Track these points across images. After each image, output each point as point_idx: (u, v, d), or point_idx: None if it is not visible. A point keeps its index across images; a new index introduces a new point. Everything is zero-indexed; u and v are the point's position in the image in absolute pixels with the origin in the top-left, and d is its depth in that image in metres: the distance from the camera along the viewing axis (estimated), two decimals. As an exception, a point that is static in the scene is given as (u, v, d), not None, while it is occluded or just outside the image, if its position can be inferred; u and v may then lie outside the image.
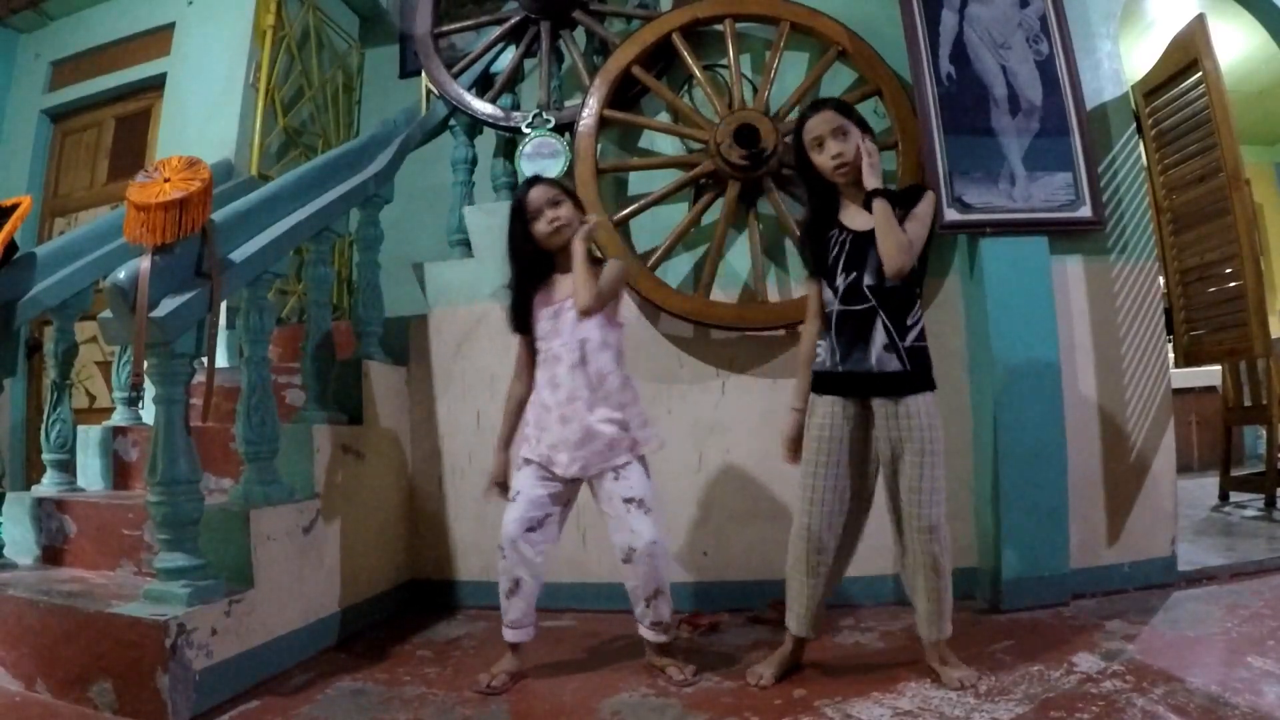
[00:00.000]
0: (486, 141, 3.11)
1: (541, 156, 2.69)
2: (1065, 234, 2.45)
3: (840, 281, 1.79)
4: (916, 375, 1.76)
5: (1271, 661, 1.75)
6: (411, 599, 2.62)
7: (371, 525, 2.46)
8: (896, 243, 1.70)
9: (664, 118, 2.77)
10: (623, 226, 2.60)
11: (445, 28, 3.17)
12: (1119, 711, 1.54)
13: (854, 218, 1.81)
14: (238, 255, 1.98)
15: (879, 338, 1.75)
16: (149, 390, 1.86)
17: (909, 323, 1.77)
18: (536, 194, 1.92)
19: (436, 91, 3.04)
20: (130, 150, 3.81)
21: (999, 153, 2.41)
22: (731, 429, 2.54)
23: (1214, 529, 3.21)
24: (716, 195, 2.58)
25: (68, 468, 2.50)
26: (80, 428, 2.58)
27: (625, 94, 2.73)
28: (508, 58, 3.10)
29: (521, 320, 1.95)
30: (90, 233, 2.52)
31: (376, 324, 2.65)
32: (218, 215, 1.96)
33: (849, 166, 1.77)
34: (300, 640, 2.07)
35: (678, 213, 2.63)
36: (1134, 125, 2.67)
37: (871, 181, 1.75)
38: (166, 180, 1.82)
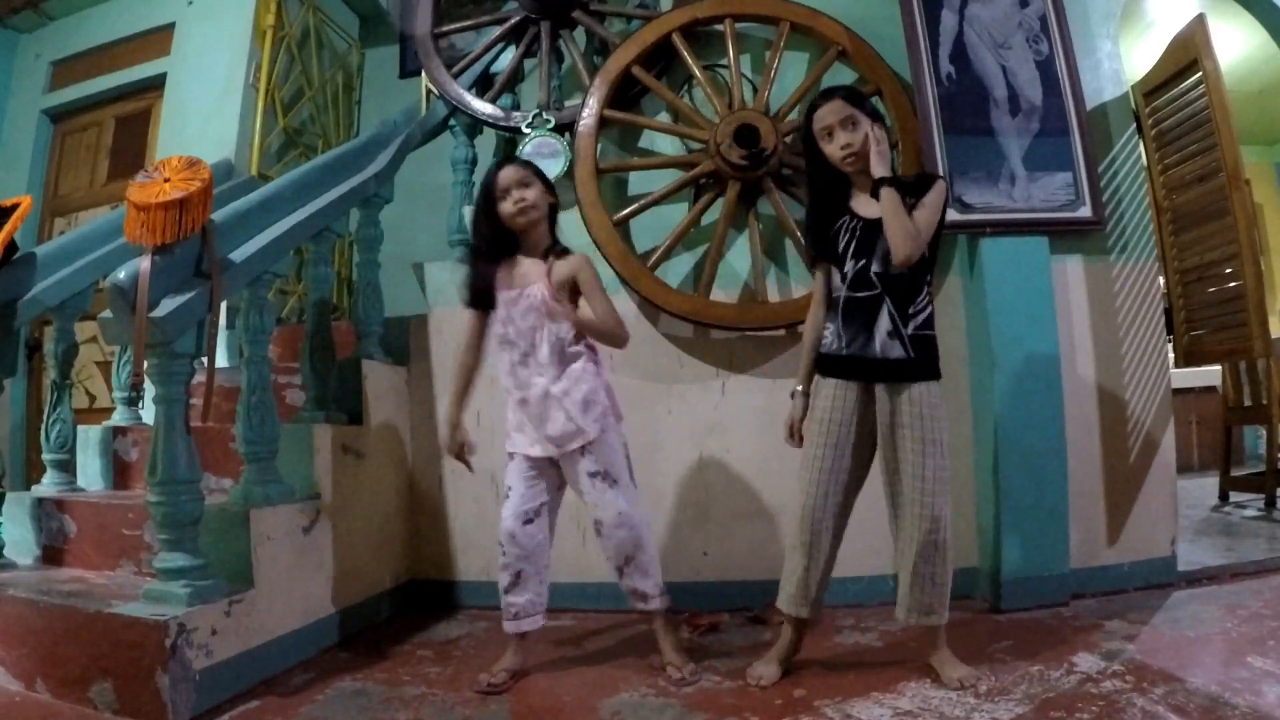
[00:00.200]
0: (486, 141, 3.11)
1: (541, 156, 2.69)
2: (1065, 234, 2.45)
3: (849, 268, 1.79)
4: (920, 363, 1.76)
5: (1271, 661, 1.75)
6: (411, 599, 2.62)
7: (371, 525, 2.46)
8: (904, 230, 1.70)
9: (664, 118, 2.77)
10: (623, 226, 2.60)
11: (445, 28, 3.17)
12: (1119, 711, 1.54)
13: (864, 206, 1.82)
14: (238, 255, 1.98)
15: (883, 324, 1.76)
16: (149, 390, 1.86)
17: (912, 310, 1.77)
18: (507, 173, 1.92)
19: (436, 91, 3.04)
20: (130, 150, 3.81)
21: (999, 153, 2.41)
22: (731, 429, 2.54)
23: (1214, 529, 3.21)
24: (716, 195, 2.58)
25: (68, 468, 2.50)
26: (80, 428, 2.58)
27: (625, 94, 2.73)
28: (508, 58, 3.10)
29: (478, 296, 1.95)
30: (90, 233, 2.52)
31: (376, 324, 2.65)
32: (218, 215, 1.96)
33: (857, 156, 1.77)
34: (300, 640, 2.07)
35: (678, 213, 2.63)
36: (1134, 125, 2.67)
37: (879, 170, 1.75)
38: (166, 180, 1.82)
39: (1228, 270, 3.17)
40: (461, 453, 1.98)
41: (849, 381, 1.80)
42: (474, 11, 3.72)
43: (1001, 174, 2.40)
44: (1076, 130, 2.43)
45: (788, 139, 2.56)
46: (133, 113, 3.88)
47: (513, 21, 3.02)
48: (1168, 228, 3.46)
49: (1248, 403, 3.81)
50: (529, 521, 1.89)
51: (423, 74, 3.12)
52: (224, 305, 2.01)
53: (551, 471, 1.95)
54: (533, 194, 1.91)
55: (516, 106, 3.11)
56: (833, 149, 1.79)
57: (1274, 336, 3.23)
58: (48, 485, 2.44)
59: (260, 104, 3.58)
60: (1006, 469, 2.30)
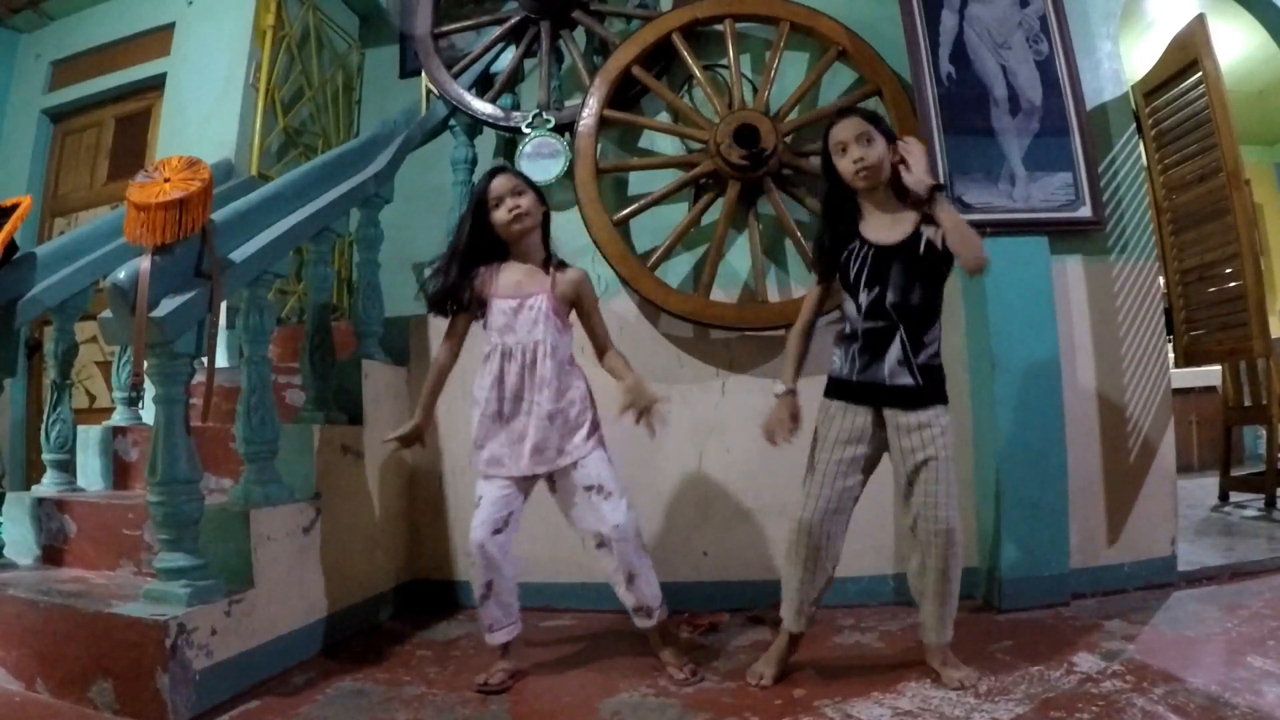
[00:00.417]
0: (486, 141, 3.11)
1: (541, 156, 2.69)
2: (1065, 234, 2.45)
3: (864, 298, 1.77)
4: (928, 390, 1.75)
5: (1271, 661, 1.75)
6: (411, 599, 2.62)
7: (371, 525, 2.46)
8: (973, 239, 1.70)
9: (664, 118, 2.77)
10: (623, 226, 2.60)
11: (445, 28, 3.17)
12: (1119, 711, 1.55)
13: (875, 230, 1.79)
14: (238, 255, 1.98)
15: (894, 353, 1.75)
16: (149, 390, 1.85)
17: (926, 340, 1.77)
18: (500, 182, 1.91)
19: (436, 91, 3.04)
20: (130, 150, 3.81)
21: (999, 153, 2.41)
22: (731, 429, 2.54)
23: (1214, 529, 3.21)
24: (716, 195, 2.58)
25: (68, 468, 2.49)
26: (80, 428, 2.58)
27: (625, 94, 2.73)
28: (508, 58, 3.10)
29: (443, 301, 1.92)
30: (90, 233, 2.52)
31: (376, 324, 2.65)
32: (218, 215, 1.96)
33: (870, 171, 1.75)
34: (300, 640, 2.07)
35: (678, 213, 2.63)
36: (1134, 125, 2.67)
37: (927, 178, 1.71)
38: (166, 180, 1.82)
39: (1228, 270, 3.18)
40: (406, 442, 1.95)
41: (858, 406, 1.79)
42: (474, 11, 3.72)
43: (1001, 174, 2.40)
44: (1076, 130, 2.43)
45: (788, 139, 2.56)
46: (133, 113, 3.88)
47: (513, 21, 3.02)
48: (1168, 228, 3.46)
49: (1248, 403, 3.81)
50: (498, 531, 1.85)
51: (423, 74, 3.11)
52: (224, 305, 2.01)
53: (525, 485, 1.92)
54: (527, 201, 1.90)
55: (516, 106, 3.11)
56: (845, 163, 1.77)
57: (1274, 336, 3.24)
58: (48, 485, 2.44)
59: (260, 104, 3.57)
60: (1006, 469, 2.30)
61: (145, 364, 1.76)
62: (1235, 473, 3.95)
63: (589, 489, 1.87)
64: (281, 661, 1.99)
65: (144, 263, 1.73)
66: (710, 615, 2.33)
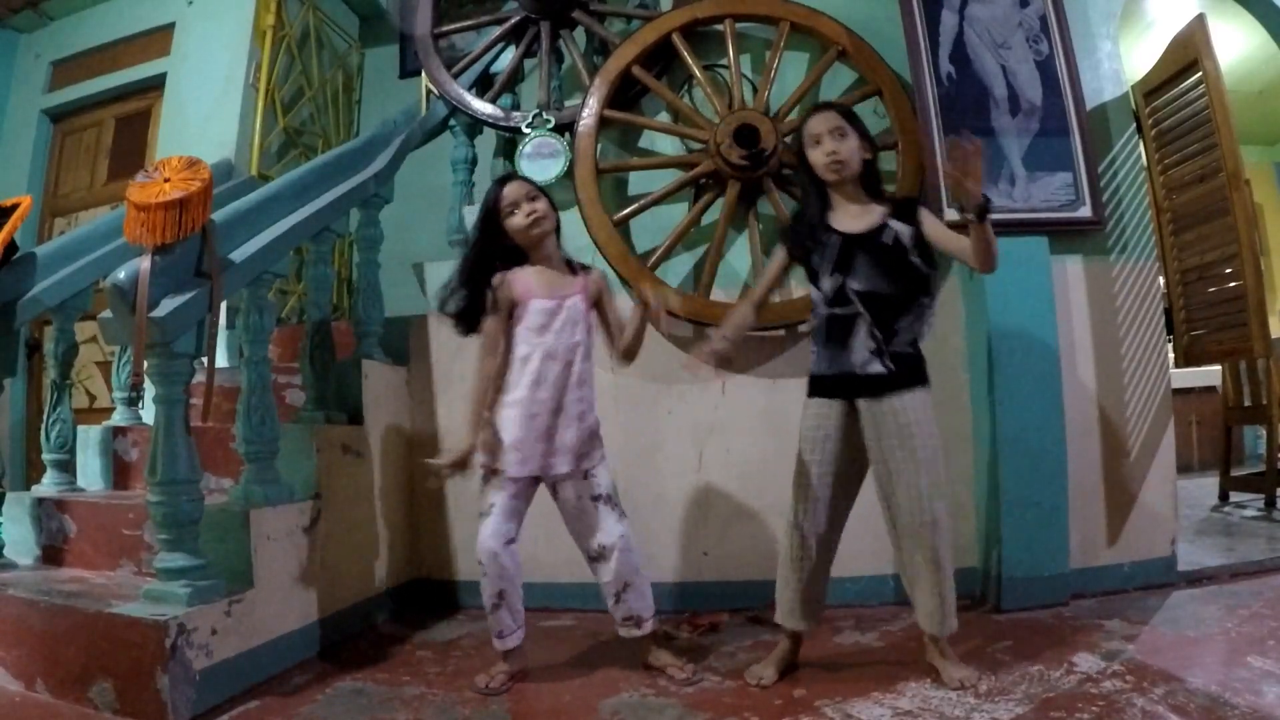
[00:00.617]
0: (486, 141, 3.11)
1: (541, 156, 2.69)
2: (1065, 234, 2.45)
3: (827, 285, 1.80)
4: (901, 376, 1.75)
5: (1271, 661, 1.75)
6: (411, 599, 2.62)
7: (371, 525, 2.46)
8: (995, 254, 1.74)
9: (664, 118, 2.77)
10: (623, 226, 2.60)
11: (445, 28, 3.17)
12: (1119, 711, 1.55)
13: (843, 220, 1.83)
14: (238, 255, 1.98)
15: (862, 341, 1.76)
16: (149, 390, 1.85)
17: (899, 327, 1.76)
18: (513, 188, 1.90)
19: (436, 91, 3.04)
20: (130, 150, 3.81)
21: (999, 153, 2.41)
22: (731, 429, 2.54)
23: (1214, 529, 3.21)
24: (716, 195, 2.58)
25: (68, 468, 2.49)
26: (80, 428, 2.58)
27: (625, 94, 2.73)
28: (508, 58, 3.10)
29: (481, 309, 1.90)
30: (90, 233, 2.52)
31: (376, 324, 2.65)
32: (218, 215, 1.96)
33: (840, 164, 1.79)
34: (300, 640, 2.07)
35: (678, 213, 2.63)
36: (1134, 125, 2.67)
37: (978, 193, 1.66)
38: (166, 180, 1.82)
39: (1228, 270, 3.17)
40: (460, 465, 1.86)
41: (832, 400, 1.81)
42: (474, 11, 3.72)
43: (1001, 174, 2.40)
44: (1076, 130, 2.43)
45: (788, 139, 2.56)
46: (133, 113, 3.88)
47: (513, 21, 3.02)
48: (1168, 228, 3.46)
49: (1248, 403, 3.81)
50: (510, 542, 1.86)
51: (423, 74, 3.11)
52: (224, 305, 2.01)
53: (531, 489, 1.92)
54: (543, 205, 1.90)
55: (516, 106, 3.11)
56: (817, 154, 1.80)
57: (1274, 336, 3.23)
58: (48, 485, 2.44)
59: (260, 104, 3.58)
60: (1006, 469, 2.30)
61: (145, 364, 1.76)
62: (1235, 473, 3.95)
63: (597, 498, 1.88)
64: (281, 661, 1.99)
65: (144, 263, 1.73)
66: (710, 615, 2.33)
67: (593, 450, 1.90)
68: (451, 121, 3.07)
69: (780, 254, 1.91)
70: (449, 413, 2.69)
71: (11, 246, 2.27)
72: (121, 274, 1.71)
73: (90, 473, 2.59)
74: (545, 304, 1.88)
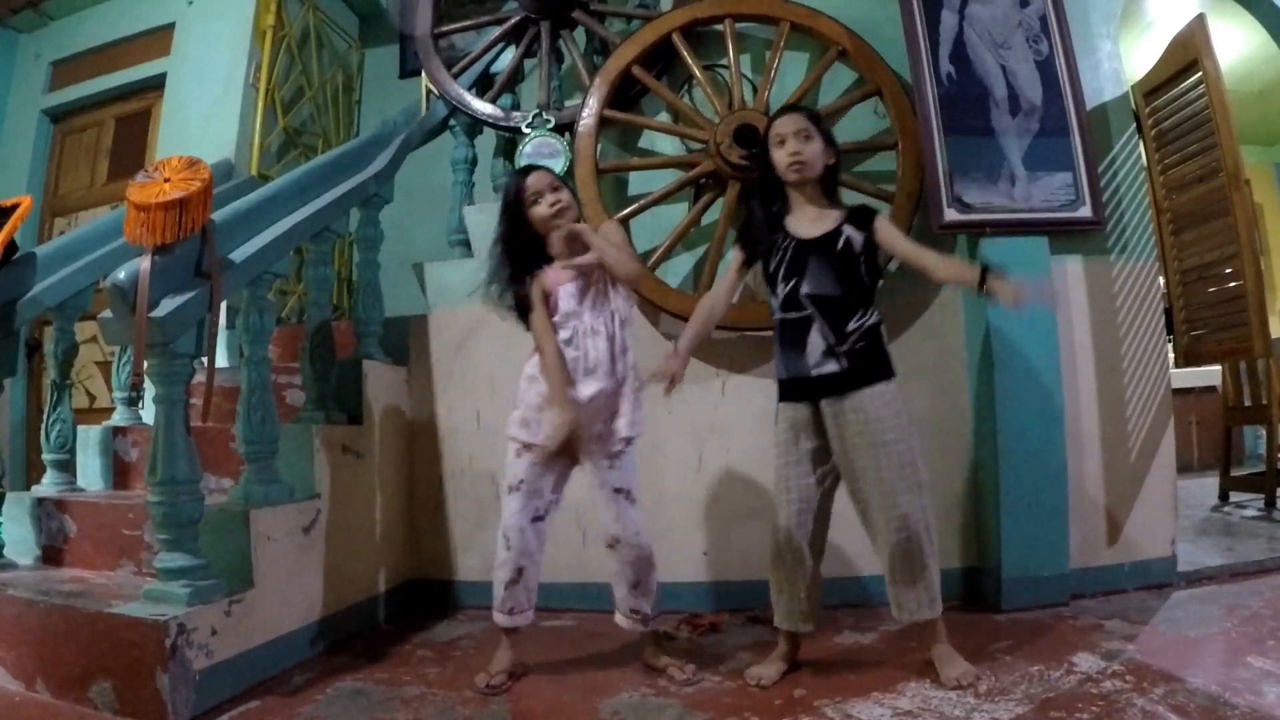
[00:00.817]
0: (486, 141, 3.11)
1: (541, 156, 2.69)
2: (1065, 234, 2.45)
3: (781, 290, 1.81)
4: (859, 372, 1.76)
5: (1271, 661, 1.75)
6: (411, 599, 2.62)
7: (371, 525, 2.46)
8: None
9: (664, 118, 2.77)
10: (623, 226, 2.60)
11: (445, 28, 3.17)
12: (1119, 711, 1.54)
13: (799, 225, 1.84)
14: (238, 255, 1.98)
15: (815, 343, 1.78)
16: (149, 390, 1.85)
17: (849, 328, 1.77)
18: (536, 178, 1.91)
19: (436, 91, 3.04)
20: (130, 150, 3.81)
21: (999, 153, 2.41)
22: (731, 429, 2.54)
23: (1214, 529, 3.21)
24: (716, 195, 2.58)
25: (68, 468, 2.49)
26: (80, 428, 2.58)
27: (625, 94, 2.73)
28: (508, 58, 3.10)
29: (524, 308, 1.91)
30: (90, 233, 2.52)
31: (376, 324, 2.65)
32: (218, 215, 1.96)
33: (803, 165, 1.80)
34: (300, 640, 2.08)
35: (678, 213, 2.63)
36: (1134, 125, 2.67)
37: (968, 274, 1.76)
38: (166, 180, 1.82)
39: (1228, 270, 3.17)
40: (565, 432, 1.81)
41: (798, 403, 1.82)
42: (474, 11, 3.72)
43: (1001, 174, 2.40)
44: (1076, 130, 2.43)
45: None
46: (133, 113, 3.88)
47: (513, 21, 3.02)
48: (1168, 228, 3.46)
49: (1248, 403, 3.81)
50: (538, 519, 1.88)
51: (423, 74, 3.12)
52: (224, 305, 2.01)
53: (563, 465, 1.91)
54: (567, 196, 1.92)
55: (516, 106, 3.11)
56: (781, 154, 1.82)
57: (1274, 336, 3.24)
58: (48, 485, 2.44)
59: (260, 104, 3.58)
60: (1006, 469, 2.30)
61: (145, 364, 1.76)
62: (1235, 473, 3.95)
63: (618, 491, 1.88)
64: (281, 661, 1.99)
65: (144, 263, 1.73)
66: (710, 615, 2.33)
67: (626, 425, 1.86)
68: (451, 121, 3.07)
69: (736, 258, 1.90)
70: (449, 413, 2.70)
71: (11, 246, 2.27)
72: (121, 274, 1.71)
73: (90, 473, 2.59)
74: (569, 286, 1.89)
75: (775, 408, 1.89)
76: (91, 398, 3.70)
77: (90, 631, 1.75)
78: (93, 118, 3.99)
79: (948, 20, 2.48)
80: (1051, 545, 2.30)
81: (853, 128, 2.64)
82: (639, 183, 2.74)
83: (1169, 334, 2.72)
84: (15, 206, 2.27)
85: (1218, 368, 4.05)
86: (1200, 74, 3.08)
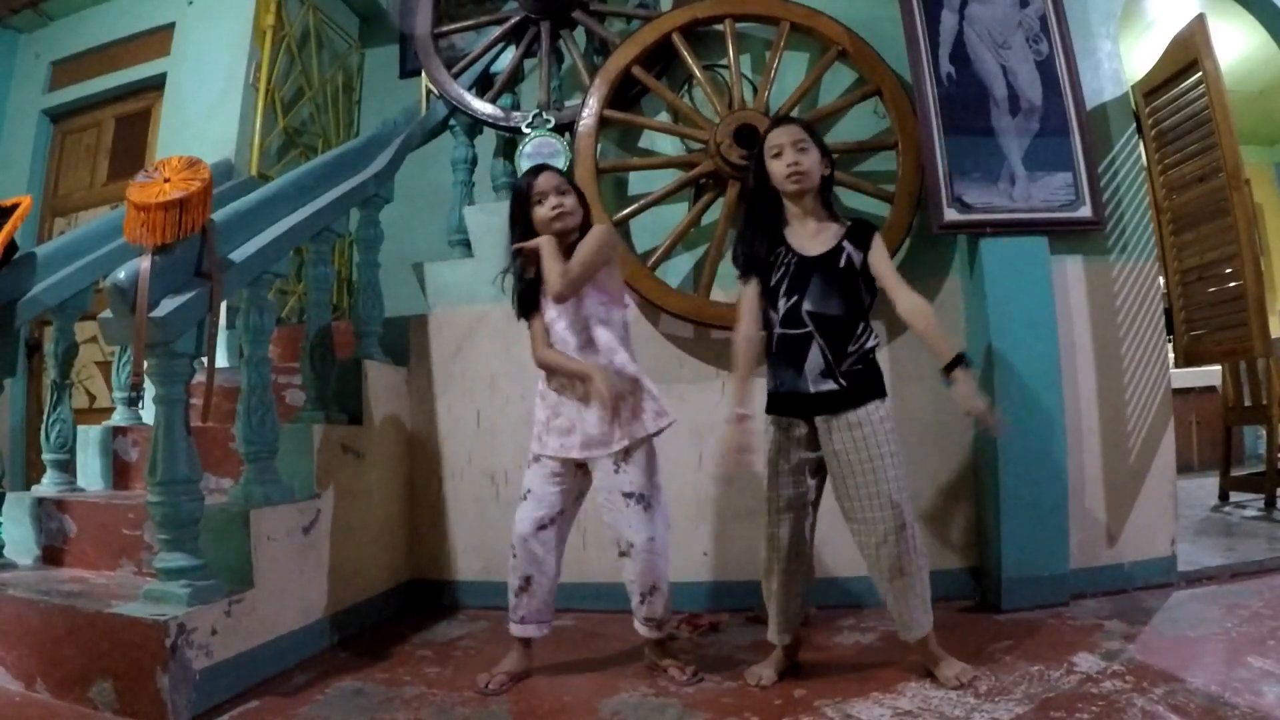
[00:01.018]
0: (486, 141, 3.11)
1: (541, 156, 2.68)
2: (1065, 234, 2.45)
3: (782, 305, 1.80)
4: (855, 391, 1.75)
5: (1271, 661, 1.75)
6: (411, 599, 2.62)
7: (371, 525, 2.46)
8: (936, 322, 1.77)
9: (664, 118, 2.77)
10: (623, 226, 2.60)
11: (445, 28, 3.17)
12: (1119, 711, 1.54)
13: (799, 239, 1.83)
14: (238, 255, 1.98)
15: (814, 362, 1.76)
16: (149, 390, 1.85)
17: (850, 349, 1.77)
18: (545, 179, 1.91)
19: (436, 91, 3.04)
20: (130, 150, 3.81)
21: (999, 153, 2.41)
22: (731, 429, 2.54)
23: (1214, 529, 3.21)
24: (716, 195, 2.58)
25: (68, 468, 2.49)
26: (80, 428, 2.58)
27: (625, 94, 2.73)
28: (508, 58, 3.10)
29: (528, 303, 1.93)
30: (90, 233, 2.52)
31: (376, 324, 2.65)
32: (218, 215, 1.96)
33: (801, 175, 1.78)
34: (300, 640, 2.08)
35: (678, 213, 2.63)
36: (1134, 125, 2.67)
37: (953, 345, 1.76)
38: (166, 180, 1.82)
39: (1228, 270, 3.17)
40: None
41: (792, 418, 1.81)
42: (474, 11, 3.72)
43: (1001, 174, 2.40)
44: (1076, 130, 2.43)
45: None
46: (133, 113, 3.88)
47: (513, 21, 3.02)
48: (1168, 228, 3.46)
49: (1248, 403, 3.81)
50: (543, 528, 1.88)
51: (423, 74, 3.12)
52: (224, 305, 2.01)
53: (579, 481, 1.92)
54: (571, 201, 1.91)
55: (516, 106, 3.11)
56: (778, 165, 1.80)
57: (1274, 336, 3.23)
58: (48, 485, 2.44)
59: (260, 104, 3.57)
60: (1006, 469, 2.30)
61: (145, 364, 1.76)
62: (1235, 473, 3.95)
63: (627, 495, 1.86)
64: (281, 661, 1.99)
65: (144, 263, 1.73)
66: (710, 615, 2.33)
67: (615, 438, 1.84)
68: (451, 121, 3.07)
69: (750, 287, 1.86)
70: (449, 413, 2.70)
71: (11, 246, 2.27)
72: (121, 274, 1.71)
73: (90, 473, 2.59)
74: (552, 314, 1.90)
75: (764, 419, 1.85)
76: (91, 398, 3.70)
77: (90, 631, 1.75)
78: (93, 118, 3.99)
79: (948, 20, 2.49)
80: (1051, 545, 2.30)
81: (853, 128, 2.64)
82: (639, 183, 2.75)
83: (1169, 334, 2.72)
84: (15, 206, 2.27)
85: (1218, 368, 4.05)
86: (1200, 74, 3.08)
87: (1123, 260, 2.55)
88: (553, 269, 1.81)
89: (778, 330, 1.81)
